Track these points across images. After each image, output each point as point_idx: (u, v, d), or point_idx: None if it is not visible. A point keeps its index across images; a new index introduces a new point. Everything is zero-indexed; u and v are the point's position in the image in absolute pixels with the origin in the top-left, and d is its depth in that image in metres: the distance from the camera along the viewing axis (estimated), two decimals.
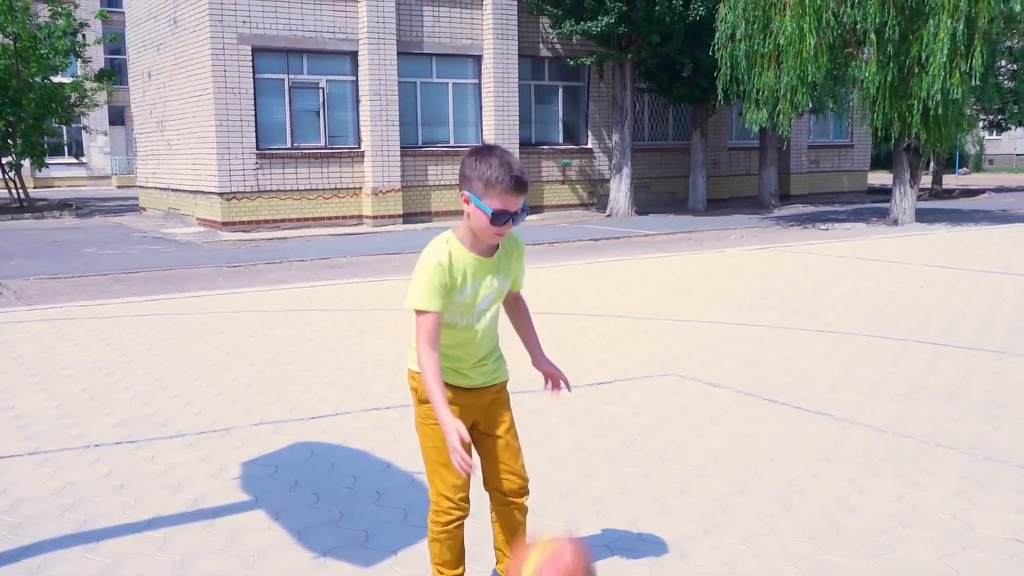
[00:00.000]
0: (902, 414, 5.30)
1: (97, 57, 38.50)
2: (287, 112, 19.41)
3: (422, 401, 2.91)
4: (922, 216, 19.37)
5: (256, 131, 18.95)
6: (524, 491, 3.04)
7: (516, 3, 21.35)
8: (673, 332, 7.75)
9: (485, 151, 2.80)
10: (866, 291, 9.78)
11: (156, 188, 23.17)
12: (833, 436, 4.92)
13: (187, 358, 6.97)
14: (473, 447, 2.99)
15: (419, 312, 2.79)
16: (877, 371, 6.30)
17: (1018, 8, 16.11)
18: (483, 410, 3.00)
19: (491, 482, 3.04)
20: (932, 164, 31.84)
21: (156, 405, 5.69)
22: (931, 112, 16.27)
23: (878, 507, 3.93)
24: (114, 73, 31.12)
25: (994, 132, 37.74)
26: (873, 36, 16.19)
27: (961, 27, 15.42)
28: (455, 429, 2.67)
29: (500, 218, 2.75)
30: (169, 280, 12.23)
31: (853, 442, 4.80)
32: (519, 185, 2.76)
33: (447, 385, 2.84)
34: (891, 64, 16.56)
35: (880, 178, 34.71)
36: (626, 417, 5.32)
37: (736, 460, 4.55)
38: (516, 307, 3.16)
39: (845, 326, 7.84)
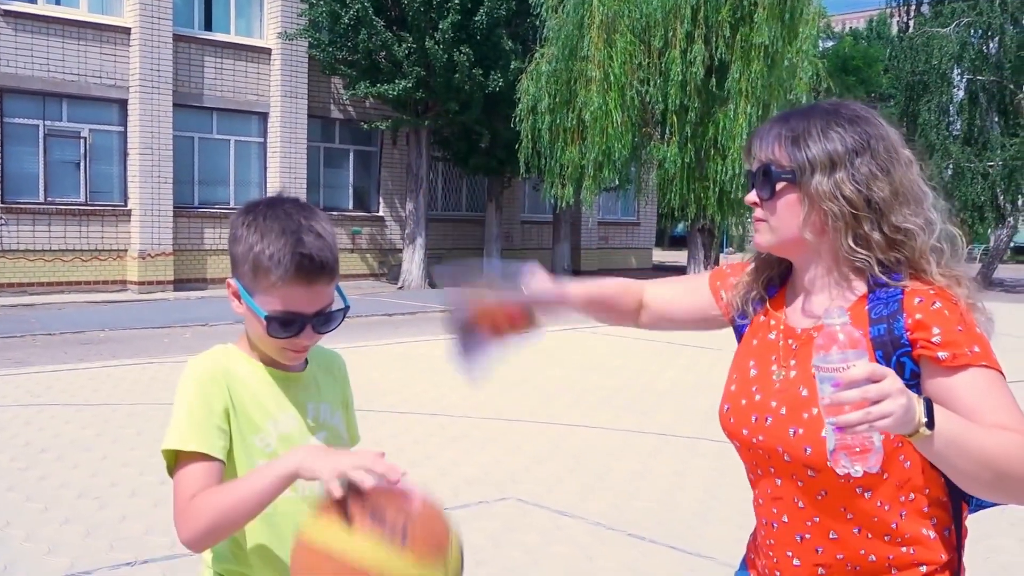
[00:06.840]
0: None
1: None
2: (41, 162, 17.07)
3: None
4: None
5: (2, 182, 16.54)
6: None
7: (307, 60, 20.10)
8: (500, 437, 6.68)
9: (264, 207, 1.63)
10: (689, 381, 9.15)
11: None
12: None
13: None
14: None
15: (179, 458, 1.54)
16: (744, 491, 5.47)
17: (804, 99, 16.65)
18: None
19: None
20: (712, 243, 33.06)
21: None
22: (727, 195, 16.39)
23: None
24: None
25: None
26: (674, 118, 16.18)
27: (759, 112, 15.67)
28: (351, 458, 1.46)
29: (283, 327, 1.58)
30: None
31: None
32: (310, 268, 1.56)
33: None
34: (688, 146, 16.61)
35: (662, 256, 35.64)
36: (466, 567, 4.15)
37: None
38: None
39: (686, 429, 7.04)
